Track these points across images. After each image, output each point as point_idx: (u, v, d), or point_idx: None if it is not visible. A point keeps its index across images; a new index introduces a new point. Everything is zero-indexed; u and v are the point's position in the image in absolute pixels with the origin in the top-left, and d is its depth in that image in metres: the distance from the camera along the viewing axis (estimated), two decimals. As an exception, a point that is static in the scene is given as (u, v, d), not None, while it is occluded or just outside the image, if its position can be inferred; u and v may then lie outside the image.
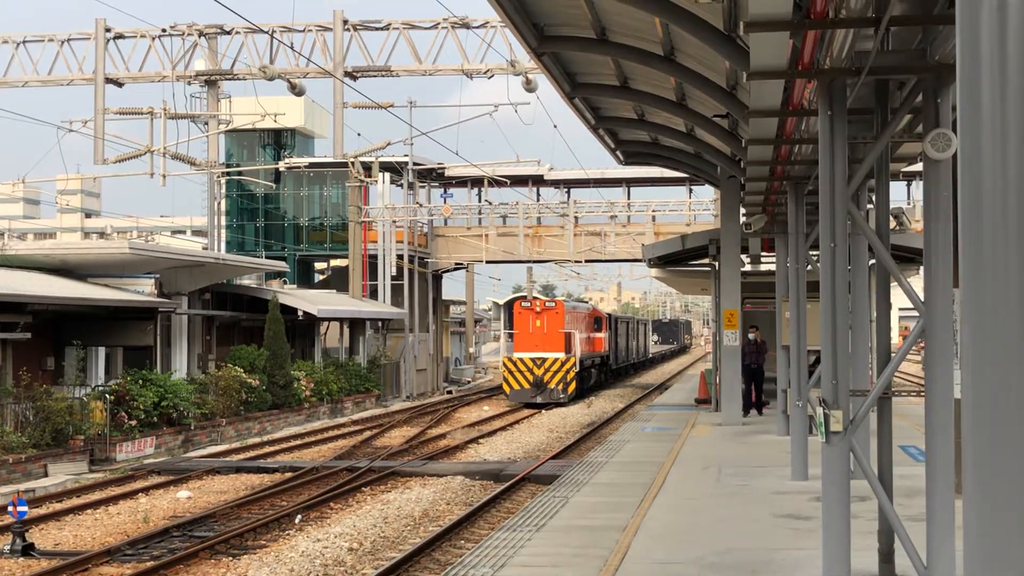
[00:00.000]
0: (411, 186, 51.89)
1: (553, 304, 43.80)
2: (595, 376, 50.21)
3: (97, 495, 21.52)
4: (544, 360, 42.32)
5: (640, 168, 45.38)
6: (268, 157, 56.35)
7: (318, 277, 61.48)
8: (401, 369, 48.45)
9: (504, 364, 43.63)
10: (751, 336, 27.69)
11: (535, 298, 45.07)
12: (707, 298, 73.07)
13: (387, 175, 49.60)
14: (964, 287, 3.70)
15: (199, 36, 46.61)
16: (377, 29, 45.18)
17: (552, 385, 42.19)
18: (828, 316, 10.00)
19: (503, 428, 33.94)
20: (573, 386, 42.72)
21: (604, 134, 25.59)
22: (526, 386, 42.27)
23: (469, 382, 60.24)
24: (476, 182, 54.60)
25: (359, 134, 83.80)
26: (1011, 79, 3.59)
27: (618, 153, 28.14)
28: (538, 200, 55.83)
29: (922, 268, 10.25)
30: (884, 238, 10.41)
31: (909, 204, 47.37)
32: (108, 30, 46.55)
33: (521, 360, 42.45)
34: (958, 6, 3.65)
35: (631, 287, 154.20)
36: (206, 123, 47.13)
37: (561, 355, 42.33)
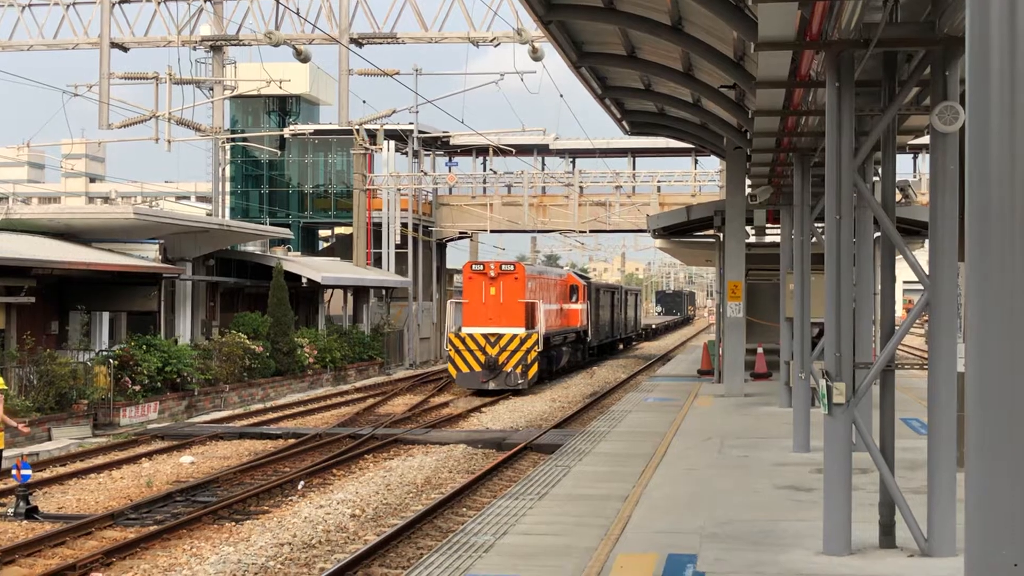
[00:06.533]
0: (416, 154, 51.82)
1: (512, 268, 35.98)
2: (567, 356, 42.16)
3: (101, 459, 21.59)
4: (499, 337, 34.59)
5: (646, 138, 45.27)
6: (273, 124, 56.26)
7: (322, 244, 61.48)
8: (404, 337, 48.51)
9: (450, 341, 35.29)
10: None
11: (489, 261, 37.51)
12: (711, 269, 73.17)
13: (392, 143, 49.52)
14: (970, 260, 3.69)
15: (204, 1, 46.43)
16: (383, -4, 44.95)
17: (508, 368, 34.50)
18: (832, 288, 10.00)
19: (505, 397, 33.99)
20: (534, 369, 34.90)
21: (610, 104, 25.50)
22: (476, 368, 34.52)
23: (472, 351, 60.12)
24: (481, 151, 54.51)
25: (364, 101, 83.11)
26: (1020, 53, 3.57)
27: (624, 123, 28.06)
28: (543, 170, 55.74)
29: (927, 241, 10.25)
30: (890, 211, 10.39)
31: (915, 177, 47.29)
32: (113, -6, 46.32)
33: (471, 336, 34.66)
34: (969, -22, 3.63)
35: (635, 258, 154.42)
36: (211, 89, 47.01)
37: (520, 331, 34.72)
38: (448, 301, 38.31)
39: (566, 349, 41.88)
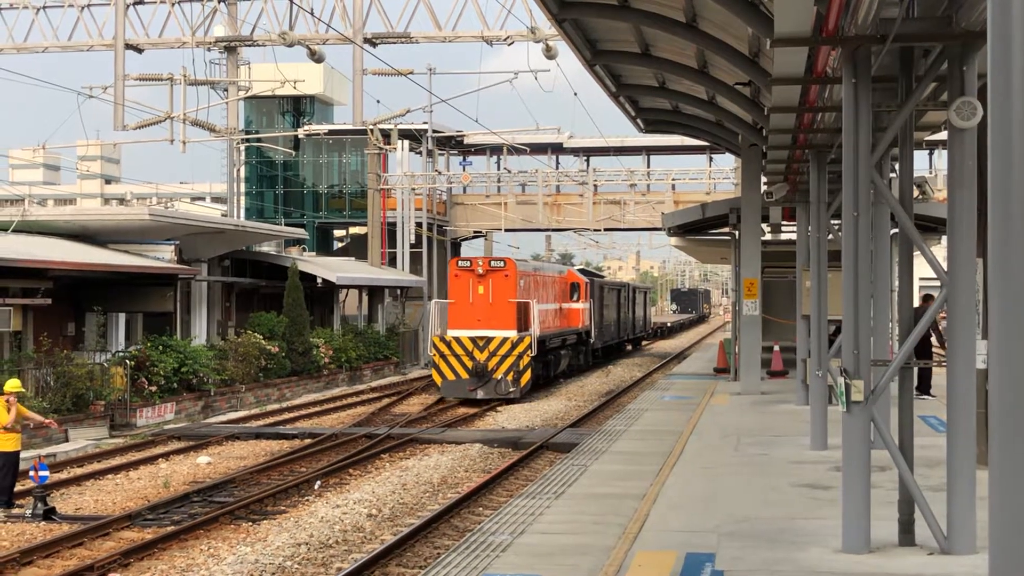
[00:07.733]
0: (430, 154, 51.86)
1: (502, 264, 32.52)
2: (567, 360, 38.78)
3: (118, 460, 21.65)
4: (488, 340, 31.48)
5: (660, 136, 45.19)
6: (287, 124, 56.37)
7: (337, 244, 61.57)
8: (420, 337, 48.48)
9: (434, 345, 31.92)
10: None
11: (476, 257, 34.10)
12: (727, 267, 72.85)
13: (406, 143, 49.54)
14: (992, 257, 3.66)
15: (219, 1, 46.49)
16: (397, -5, 44.97)
17: (498, 375, 31.34)
18: (850, 286, 9.95)
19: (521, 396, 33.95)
20: (527, 376, 31.82)
21: (624, 102, 25.47)
22: (463, 375, 31.34)
23: (487, 350, 59.95)
24: (495, 150, 54.52)
25: (378, 101, 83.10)
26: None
27: (639, 121, 28.03)
28: (557, 168, 55.72)
29: (944, 238, 10.20)
30: (908, 207, 10.34)
31: (931, 173, 47.13)
32: (128, -4, 46.41)
33: (457, 340, 31.55)
34: (990, -29, 3.60)
35: (650, 256, 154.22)
36: (225, 89, 47.08)
37: (511, 333, 31.50)
38: (432, 301, 35.22)
39: (565, 352, 38.58)
